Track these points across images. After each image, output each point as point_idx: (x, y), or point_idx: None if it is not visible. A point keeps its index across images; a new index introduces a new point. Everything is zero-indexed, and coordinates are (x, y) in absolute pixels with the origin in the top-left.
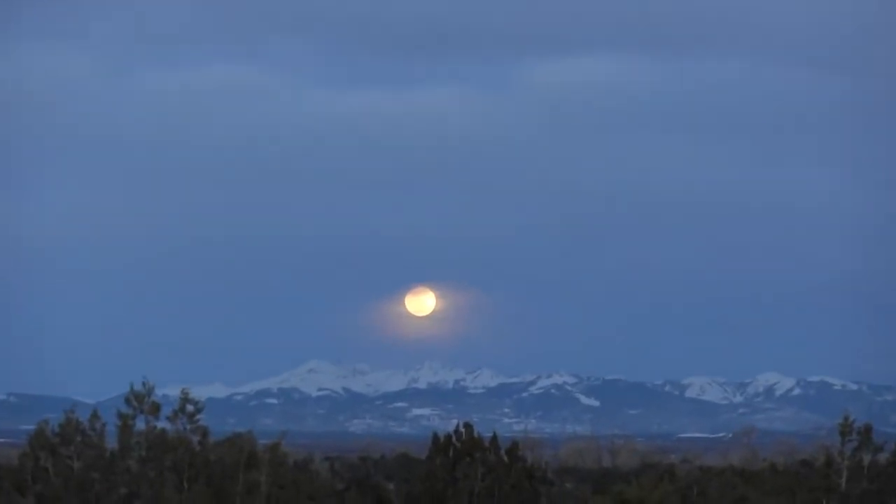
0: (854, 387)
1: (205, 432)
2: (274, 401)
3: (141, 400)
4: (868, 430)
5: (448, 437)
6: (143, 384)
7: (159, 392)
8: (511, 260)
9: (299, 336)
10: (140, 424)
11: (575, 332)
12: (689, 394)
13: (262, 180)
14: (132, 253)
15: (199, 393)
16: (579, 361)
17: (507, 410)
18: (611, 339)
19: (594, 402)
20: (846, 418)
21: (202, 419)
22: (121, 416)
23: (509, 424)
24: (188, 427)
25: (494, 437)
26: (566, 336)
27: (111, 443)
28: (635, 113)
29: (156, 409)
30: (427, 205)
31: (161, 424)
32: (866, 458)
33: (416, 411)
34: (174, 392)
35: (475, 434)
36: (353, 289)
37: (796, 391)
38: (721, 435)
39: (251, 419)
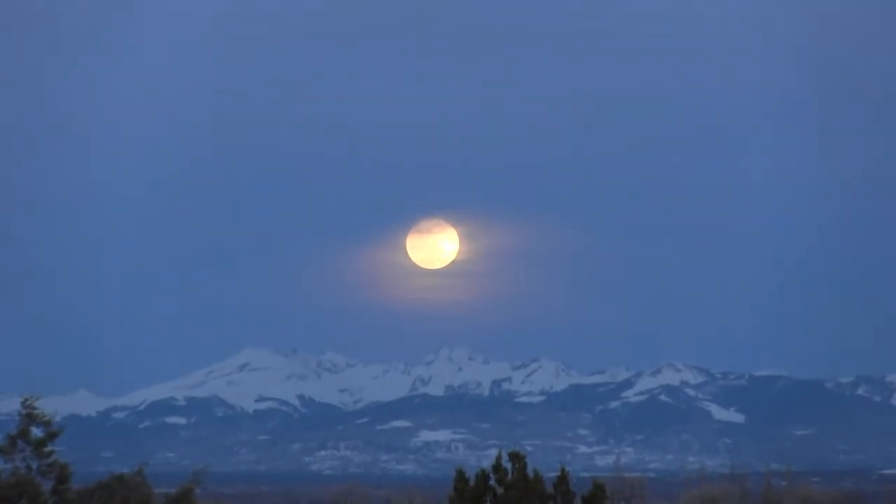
0: None
1: (63, 473)
2: (180, 419)
3: None
4: None
5: (483, 476)
6: None
7: None
8: (582, 181)
9: (222, 307)
10: None
11: (696, 301)
12: None
13: None
14: None
15: (55, 407)
16: (705, 348)
17: (583, 432)
18: (757, 311)
19: (735, 416)
20: None
21: (59, 451)
22: None
23: (589, 455)
24: (35, 465)
25: (563, 477)
26: (682, 306)
27: None
28: None
29: None
30: (444, 81)
31: None
32: None
33: (428, 435)
34: (11, 406)
35: (530, 472)
36: (316, 224)
37: None
38: None
39: (142, 450)
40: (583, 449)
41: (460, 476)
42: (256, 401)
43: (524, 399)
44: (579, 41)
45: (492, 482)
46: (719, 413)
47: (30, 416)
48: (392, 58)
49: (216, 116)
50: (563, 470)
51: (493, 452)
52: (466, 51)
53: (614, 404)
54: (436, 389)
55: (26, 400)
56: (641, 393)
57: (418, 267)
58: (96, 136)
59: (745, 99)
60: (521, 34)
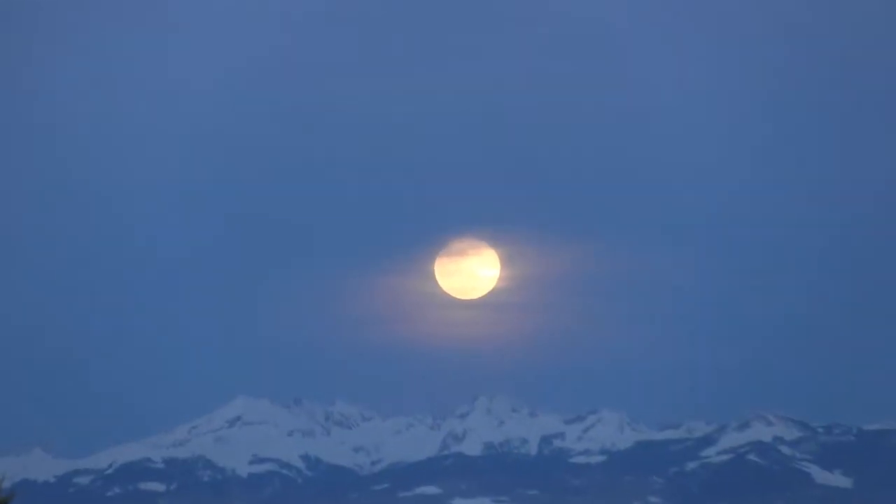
0: None
1: None
2: (158, 485)
3: None
4: None
5: None
6: None
7: None
8: (655, 192)
9: (209, 347)
10: None
11: (793, 339)
12: None
13: None
14: None
15: (2, 471)
16: (803, 396)
17: (654, 500)
18: (866, 352)
19: (841, 480)
20: None
21: None
22: None
23: None
24: None
25: None
26: (775, 345)
27: None
28: None
29: None
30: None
31: None
32: None
33: (462, 503)
34: None
35: None
36: (323, 244)
37: None
38: None
39: None
40: None
41: None
42: (251, 462)
43: (580, 459)
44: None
45: None
46: (821, 476)
47: None
48: (417, 46)
49: (216, 116)
50: None
51: None
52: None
53: (692, 465)
54: (472, 448)
55: None
56: (725, 451)
57: (450, 297)
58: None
59: None
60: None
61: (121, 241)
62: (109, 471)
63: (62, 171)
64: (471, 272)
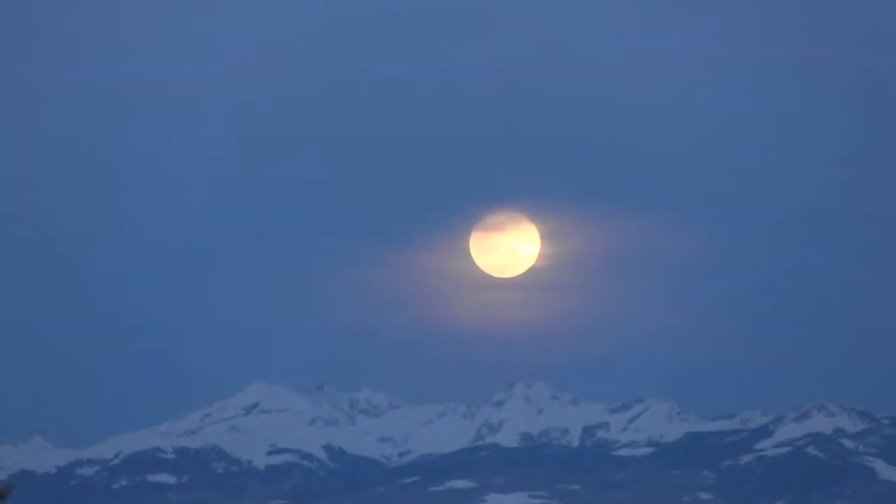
0: None
1: None
2: (168, 477)
3: None
4: None
5: None
6: None
7: None
8: (708, 164)
9: (224, 328)
10: None
11: (858, 324)
12: None
13: None
14: None
15: (1, 460)
16: (867, 384)
17: (705, 496)
18: None
19: None
20: None
21: None
22: None
23: None
24: None
25: None
26: (839, 330)
27: None
28: None
29: None
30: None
31: None
32: None
33: (497, 499)
34: None
35: None
36: (349, 220)
37: None
38: None
39: None
40: None
41: None
42: (269, 453)
43: (626, 452)
44: None
45: None
46: (886, 471)
47: None
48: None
49: (239, 90)
50: None
51: None
52: None
53: (746, 459)
54: (508, 439)
55: None
56: (783, 444)
57: (486, 276)
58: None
59: None
60: None
61: (134, 220)
62: (115, 461)
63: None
64: (509, 249)
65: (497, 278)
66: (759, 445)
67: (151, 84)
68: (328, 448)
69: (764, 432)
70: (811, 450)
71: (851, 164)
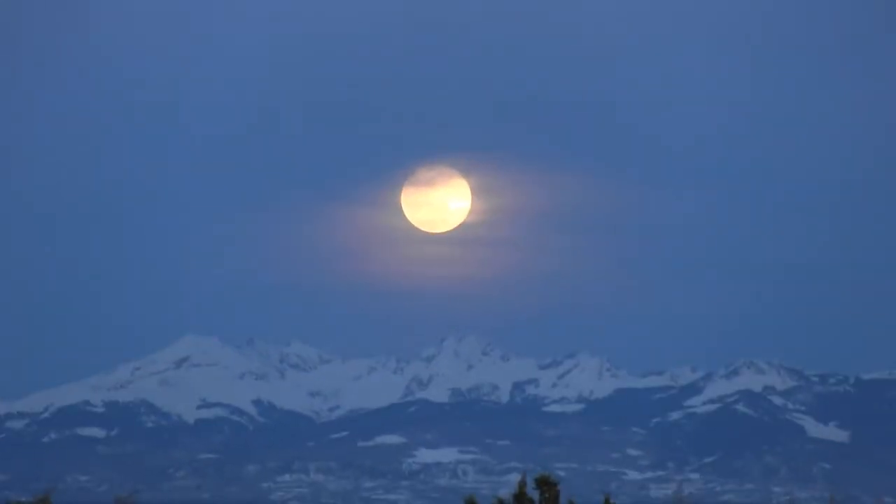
0: None
1: None
2: (97, 431)
3: None
4: None
5: None
6: None
7: None
8: (646, 117)
9: (155, 283)
10: None
11: (787, 281)
12: None
13: None
14: None
15: None
16: (796, 342)
17: (634, 452)
18: (865, 295)
19: (836, 433)
20: None
21: None
22: None
23: (641, 483)
24: None
25: None
26: (767, 287)
27: None
28: None
29: None
30: None
31: None
32: None
33: (426, 454)
34: None
35: (564, 503)
36: (281, 174)
37: None
38: None
39: (47, 471)
40: (633, 475)
41: None
42: (199, 407)
43: (556, 408)
44: None
45: None
46: (815, 429)
47: None
48: None
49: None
50: (607, 502)
51: (514, 478)
52: None
53: (675, 416)
54: (438, 394)
55: None
56: (712, 401)
57: (416, 230)
58: None
59: None
60: None
61: (67, 172)
62: (45, 415)
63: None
64: (440, 204)
65: (428, 233)
66: (688, 402)
67: None
68: (258, 402)
69: (693, 389)
70: (741, 407)
71: (769, 116)
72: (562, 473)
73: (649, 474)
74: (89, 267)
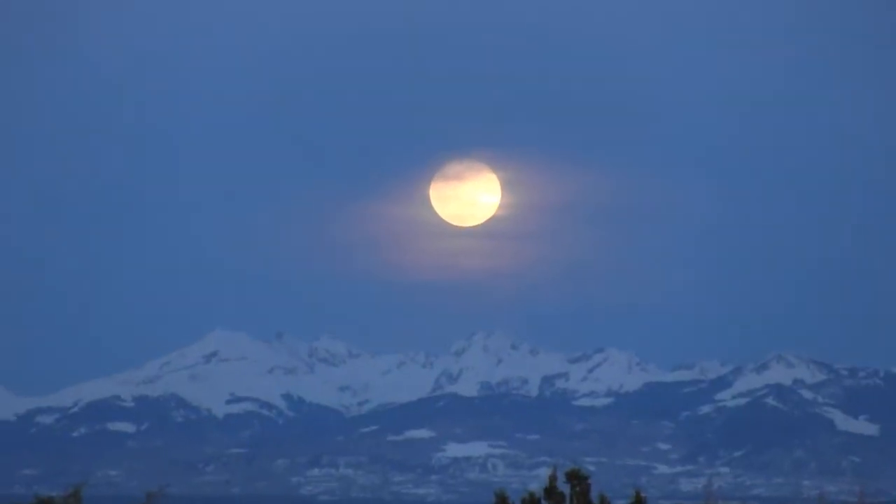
0: None
1: None
2: (127, 426)
3: None
4: None
5: (532, 500)
6: None
7: None
8: (673, 112)
9: (184, 276)
10: None
11: (816, 276)
12: None
13: None
14: None
15: None
16: (826, 336)
17: (663, 446)
18: (891, 288)
19: (866, 427)
20: None
21: None
22: None
23: (671, 477)
24: None
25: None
26: (798, 282)
27: None
28: None
29: None
30: None
31: None
32: None
33: (456, 449)
34: None
35: (595, 498)
36: (309, 168)
37: None
38: None
39: (77, 466)
40: (663, 469)
41: (501, 501)
42: (228, 402)
43: (585, 402)
44: None
45: None
46: (845, 422)
47: None
48: None
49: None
50: (637, 496)
51: (544, 472)
52: None
53: (705, 409)
54: (467, 388)
55: None
56: (741, 395)
57: (445, 224)
58: None
59: None
60: None
61: (89, 169)
62: (75, 409)
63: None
64: (469, 198)
65: (457, 227)
66: (718, 396)
67: None
68: (287, 397)
69: (723, 383)
70: (770, 400)
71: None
72: (591, 468)
73: (679, 468)
74: (118, 263)
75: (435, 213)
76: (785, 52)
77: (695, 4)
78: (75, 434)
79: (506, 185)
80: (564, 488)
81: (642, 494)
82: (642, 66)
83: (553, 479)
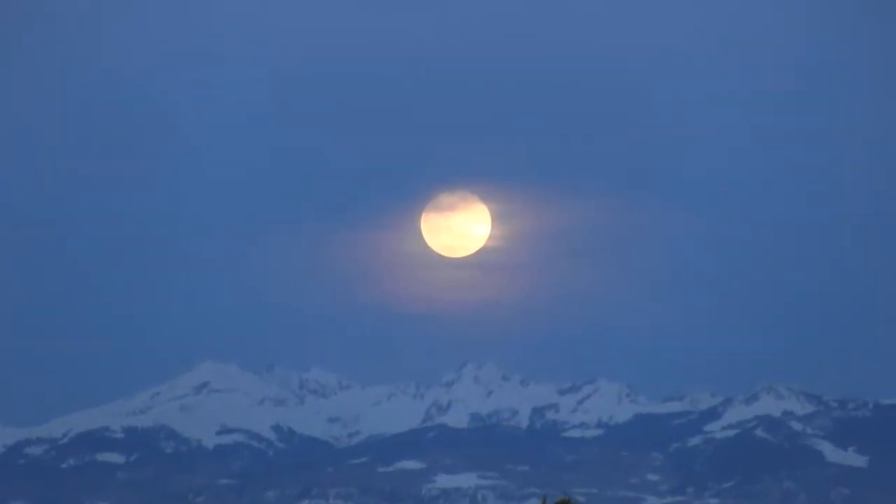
0: None
1: None
2: (117, 457)
3: None
4: None
5: None
6: None
7: None
8: (663, 144)
9: (174, 307)
10: None
11: (806, 308)
12: None
13: None
14: None
15: None
16: (815, 368)
17: (653, 477)
18: (883, 321)
19: (855, 458)
20: None
21: None
22: None
23: None
24: None
25: None
26: (787, 315)
27: None
28: None
29: None
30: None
31: None
32: None
33: (446, 480)
34: None
35: None
36: (300, 200)
37: None
38: None
39: (66, 497)
40: (652, 500)
41: None
42: (218, 433)
43: (575, 433)
44: None
45: None
46: (834, 454)
47: None
48: None
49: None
50: None
51: (534, 503)
52: None
53: (695, 441)
54: (457, 420)
55: None
56: (731, 426)
57: (436, 256)
58: None
59: None
60: None
61: (91, 195)
62: (64, 440)
63: None
64: (460, 229)
65: (448, 258)
66: (707, 427)
67: None
68: (277, 428)
69: (713, 414)
70: (760, 432)
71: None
72: (581, 499)
73: (668, 499)
74: (108, 293)
75: (426, 245)
76: (791, 78)
77: (685, 28)
78: (64, 465)
79: (496, 217)
80: None
81: None
82: (632, 95)
83: None
